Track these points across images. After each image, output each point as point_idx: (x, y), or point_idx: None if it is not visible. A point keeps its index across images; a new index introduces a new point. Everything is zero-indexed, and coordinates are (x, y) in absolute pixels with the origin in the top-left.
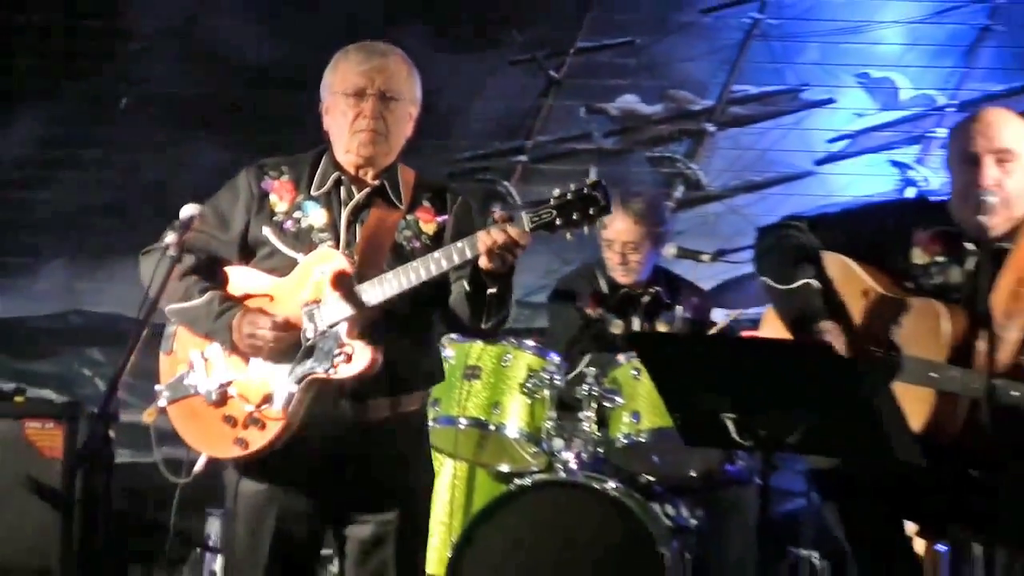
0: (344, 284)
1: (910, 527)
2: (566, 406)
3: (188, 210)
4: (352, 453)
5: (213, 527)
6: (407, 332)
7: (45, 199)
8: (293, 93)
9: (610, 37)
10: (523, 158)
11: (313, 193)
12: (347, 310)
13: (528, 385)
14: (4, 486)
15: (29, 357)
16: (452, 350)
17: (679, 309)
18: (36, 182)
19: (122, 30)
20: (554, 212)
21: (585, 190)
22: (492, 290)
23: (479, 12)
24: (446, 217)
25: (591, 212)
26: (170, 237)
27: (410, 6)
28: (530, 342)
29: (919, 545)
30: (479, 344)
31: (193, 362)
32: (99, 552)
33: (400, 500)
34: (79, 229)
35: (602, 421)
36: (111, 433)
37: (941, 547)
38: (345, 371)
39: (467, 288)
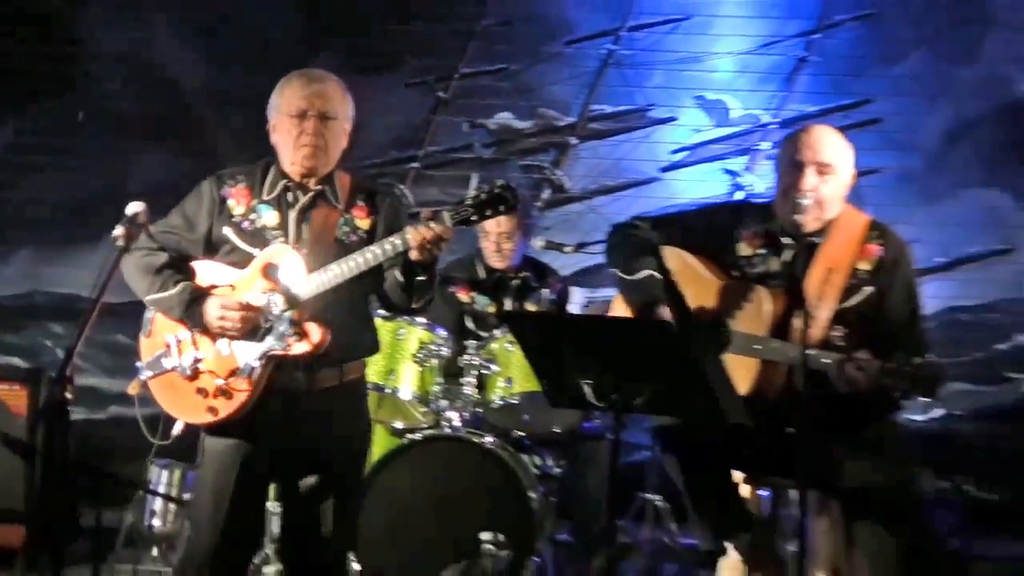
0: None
1: (737, 475)
2: (451, 373)
3: (133, 207)
4: (304, 415)
5: (154, 474)
6: (349, 312)
7: (15, 198)
8: (227, 108)
9: (489, 64)
10: (416, 165)
11: (265, 198)
12: (297, 297)
13: (419, 355)
14: None
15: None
16: None
17: (545, 292)
18: (7, 183)
19: (81, 55)
20: (471, 209)
21: (496, 191)
22: (421, 277)
23: (380, 41)
24: (378, 215)
25: (501, 208)
26: (118, 230)
27: (322, 36)
28: (421, 319)
29: (745, 490)
30: (377, 320)
31: (168, 343)
32: (57, 494)
33: (342, 457)
34: (43, 223)
35: (481, 386)
36: (68, 394)
37: (763, 492)
38: (298, 348)
39: (398, 276)
